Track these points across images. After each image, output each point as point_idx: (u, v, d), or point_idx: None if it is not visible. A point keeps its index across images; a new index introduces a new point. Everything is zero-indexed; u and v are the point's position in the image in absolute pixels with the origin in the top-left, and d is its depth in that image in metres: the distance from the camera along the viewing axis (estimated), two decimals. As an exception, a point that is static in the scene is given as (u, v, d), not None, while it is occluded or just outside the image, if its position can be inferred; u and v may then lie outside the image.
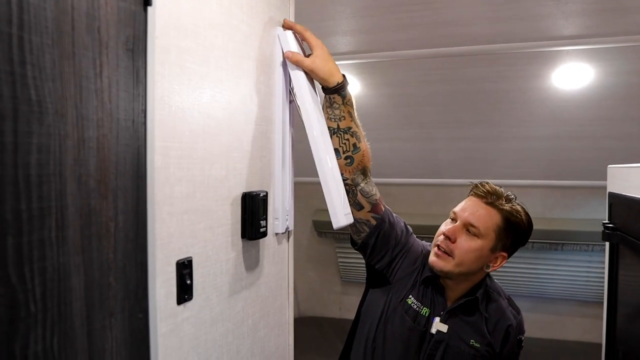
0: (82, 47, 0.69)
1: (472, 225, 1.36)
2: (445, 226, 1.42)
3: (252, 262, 1.17)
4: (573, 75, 2.45)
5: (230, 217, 1.07)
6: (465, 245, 1.36)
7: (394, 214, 1.49)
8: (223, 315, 1.06)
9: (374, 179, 1.40)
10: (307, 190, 3.62)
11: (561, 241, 3.41)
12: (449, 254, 1.37)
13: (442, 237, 1.39)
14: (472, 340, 1.43)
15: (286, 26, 1.25)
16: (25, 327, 0.60)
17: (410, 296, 1.44)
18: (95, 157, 0.71)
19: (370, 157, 1.37)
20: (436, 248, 1.40)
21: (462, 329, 1.44)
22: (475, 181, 1.47)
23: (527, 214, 1.41)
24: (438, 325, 1.42)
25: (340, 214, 1.19)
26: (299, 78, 1.23)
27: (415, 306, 1.44)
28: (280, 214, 1.27)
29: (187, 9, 0.90)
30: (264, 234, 1.16)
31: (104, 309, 0.73)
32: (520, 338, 1.51)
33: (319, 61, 1.23)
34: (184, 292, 0.91)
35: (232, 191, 1.07)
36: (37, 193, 0.62)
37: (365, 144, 1.35)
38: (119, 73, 0.76)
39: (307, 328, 3.54)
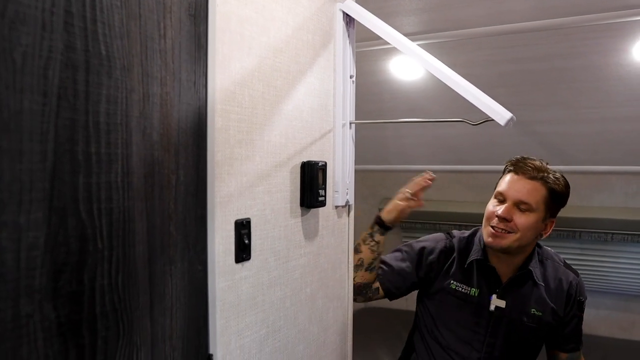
0: (147, 9, 0.74)
1: (524, 202, 1.41)
2: (494, 207, 1.46)
3: (311, 231, 1.20)
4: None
5: (290, 184, 1.10)
6: (522, 221, 1.41)
7: (386, 259, 1.60)
8: (281, 279, 1.09)
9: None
10: (375, 178, 3.61)
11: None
12: (508, 231, 1.42)
13: (496, 219, 1.44)
14: (532, 310, 1.47)
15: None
16: (93, 260, 0.66)
17: (452, 281, 1.52)
18: (158, 112, 0.76)
19: None
20: (491, 229, 1.45)
21: (521, 301, 1.48)
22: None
23: (564, 178, 1.47)
24: (496, 302, 1.48)
25: (502, 110, 1.10)
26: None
27: (461, 288, 1.51)
28: (340, 186, 1.29)
29: (247, -21, 0.94)
30: (323, 203, 1.19)
31: (165, 256, 0.79)
32: (580, 299, 1.52)
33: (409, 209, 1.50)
34: (242, 252, 0.95)
35: (291, 159, 1.11)
36: (105, 139, 0.67)
37: None
38: (182, 36, 0.81)
39: (373, 318, 3.53)
